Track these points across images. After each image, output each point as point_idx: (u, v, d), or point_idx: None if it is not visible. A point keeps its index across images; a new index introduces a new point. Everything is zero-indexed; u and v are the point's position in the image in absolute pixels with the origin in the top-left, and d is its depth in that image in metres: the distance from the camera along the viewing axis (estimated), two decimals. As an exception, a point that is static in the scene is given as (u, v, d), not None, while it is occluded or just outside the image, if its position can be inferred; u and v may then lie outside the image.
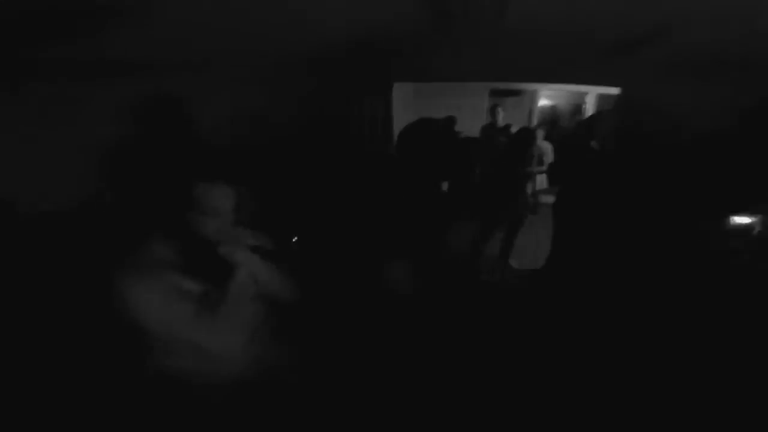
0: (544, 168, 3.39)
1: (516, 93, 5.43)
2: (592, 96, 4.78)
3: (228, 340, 1.31)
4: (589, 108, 4.73)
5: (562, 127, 5.19)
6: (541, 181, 3.70)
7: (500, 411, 1.86)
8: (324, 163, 3.11)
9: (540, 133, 3.56)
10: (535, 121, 5.05)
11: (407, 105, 4.80)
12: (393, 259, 1.62)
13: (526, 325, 2.41)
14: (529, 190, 3.16)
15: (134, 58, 2.13)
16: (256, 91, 3.16)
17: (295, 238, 2.55)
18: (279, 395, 1.49)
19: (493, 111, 4.06)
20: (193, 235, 1.22)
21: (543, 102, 5.40)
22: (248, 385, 1.38)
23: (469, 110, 5.14)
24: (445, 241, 2.56)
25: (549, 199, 3.17)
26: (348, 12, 1.72)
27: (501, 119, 4.03)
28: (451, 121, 4.22)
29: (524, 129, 3.32)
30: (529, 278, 3.01)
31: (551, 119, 5.37)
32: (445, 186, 3.24)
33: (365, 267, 1.63)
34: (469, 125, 4.62)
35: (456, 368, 2.05)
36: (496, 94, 5.30)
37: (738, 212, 2.20)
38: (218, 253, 1.24)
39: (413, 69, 3.84)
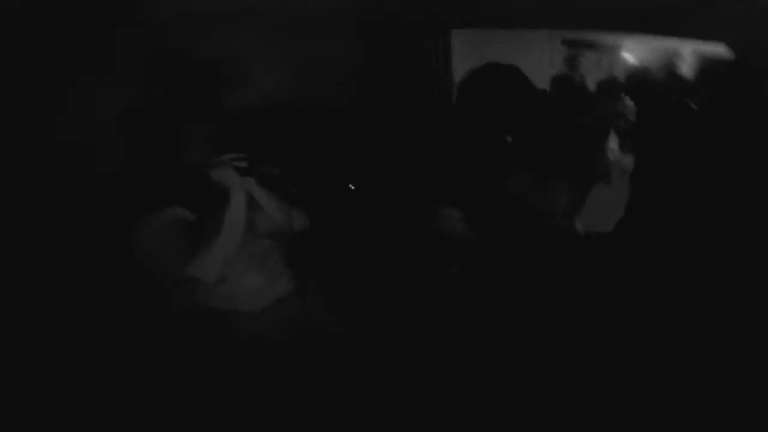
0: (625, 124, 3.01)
1: (593, 45, 4.85)
2: (687, 52, 4.15)
3: (243, 282, 1.30)
4: (685, 66, 4.13)
5: (650, 85, 4.60)
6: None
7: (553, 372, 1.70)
8: (382, 111, 2.95)
9: (624, 88, 3.17)
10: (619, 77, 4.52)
11: (465, 56, 4.49)
12: (447, 205, 1.55)
13: (582, 289, 2.22)
14: (607, 150, 2.81)
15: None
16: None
17: (352, 185, 2.48)
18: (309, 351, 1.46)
19: (572, 61, 3.57)
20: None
21: (627, 57, 4.79)
22: (276, 336, 1.34)
23: (536, 63, 4.69)
24: (506, 194, 2.37)
25: (628, 162, 2.84)
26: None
27: (582, 70, 3.57)
28: (516, 68, 3.83)
29: (608, 80, 3.02)
30: (594, 242, 2.72)
31: (637, 76, 4.76)
32: (509, 138, 2.98)
33: (419, 209, 1.56)
34: (537, 77, 4.19)
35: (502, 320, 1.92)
36: (569, 44, 4.74)
37: None
38: (212, 179, 1.24)
39: (472, 13, 3.61)
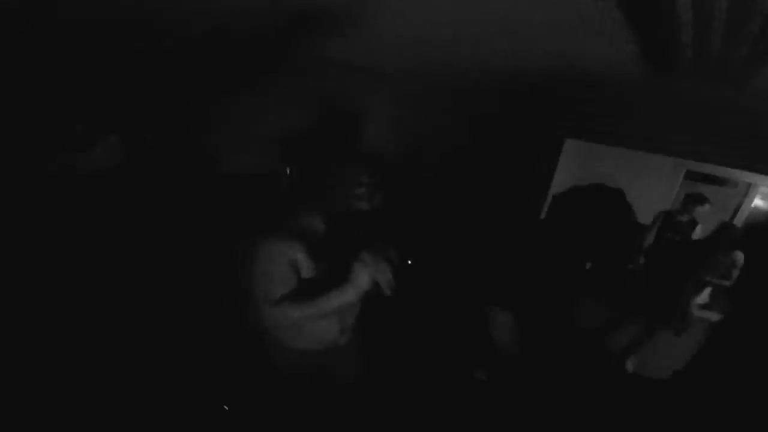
0: (728, 282, 2.78)
1: (721, 182, 4.46)
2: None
3: (327, 330, 1.38)
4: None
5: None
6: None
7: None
8: (473, 206, 3.12)
9: (741, 238, 2.90)
10: (741, 223, 4.10)
11: (572, 168, 4.40)
12: (506, 310, 1.63)
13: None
14: (692, 304, 2.64)
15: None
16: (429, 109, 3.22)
17: (410, 261, 2.75)
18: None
19: (690, 202, 3.17)
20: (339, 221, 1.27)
21: (759, 201, 4.30)
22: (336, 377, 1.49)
23: (649, 190, 4.46)
24: (570, 320, 2.40)
25: (708, 315, 2.67)
26: (551, 53, 1.48)
27: (698, 216, 3.21)
28: (621, 193, 3.78)
29: (726, 225, 2.82)
30: (640, 386, 2.53)
31: (759, 227, 4.23)
32: (588, 265, 2.97)
33: (477, 306, 1.68)
34: (645, 209, 4.01)
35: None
36: (692, 177, 4.45)
37: None
38: (352, 257, 1.23)
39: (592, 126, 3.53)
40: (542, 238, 1.84)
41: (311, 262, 1.24)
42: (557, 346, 2.30)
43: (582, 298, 2.75)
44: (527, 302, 1.66)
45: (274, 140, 2.25)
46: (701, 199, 3.12)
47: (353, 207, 1.23)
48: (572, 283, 2.30)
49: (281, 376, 1.45)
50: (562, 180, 4.03)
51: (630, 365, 2.84)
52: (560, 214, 1.61)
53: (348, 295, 1.21)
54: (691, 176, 4.44)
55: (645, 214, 3.84)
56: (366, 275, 1.21)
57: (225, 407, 1.80)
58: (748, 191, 4.28)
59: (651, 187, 4.38)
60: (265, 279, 1.20)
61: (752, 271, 2.87)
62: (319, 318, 1.27)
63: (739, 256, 3.06)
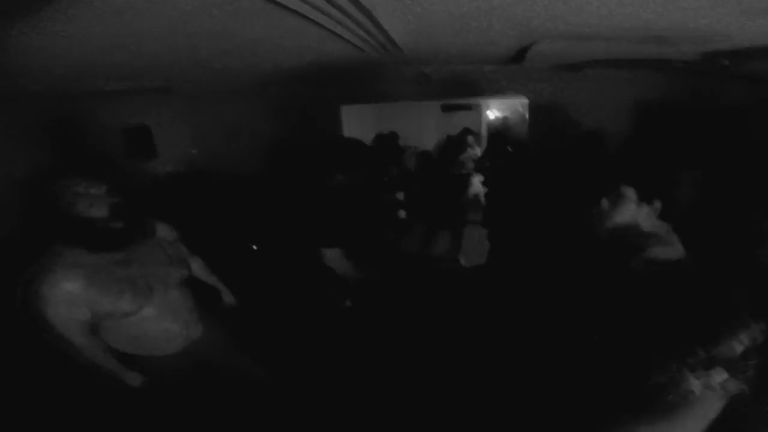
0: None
1: (468, 107, 5.81)
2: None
3: (155, 327, 1.37)
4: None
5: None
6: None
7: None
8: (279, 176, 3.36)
9: (471, 140, 3.83)
10: (484, 132, 5.45)
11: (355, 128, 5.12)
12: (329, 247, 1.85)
13: (473, 313, 2.62)
14: (469, 193, 3.48)
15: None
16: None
17: (254, 246, 2.83)
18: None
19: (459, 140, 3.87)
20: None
21: (495, 114, 5.81)
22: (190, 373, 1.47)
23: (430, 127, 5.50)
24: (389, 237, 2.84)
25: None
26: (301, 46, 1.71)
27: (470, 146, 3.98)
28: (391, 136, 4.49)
29: (452, 137, 3.69)
30: (475, 272, 3.29)
31: (498, 129, 5.77)
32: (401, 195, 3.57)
33: (306, 254, 1.85)
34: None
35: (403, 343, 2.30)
36: (447, 108, 5.66)
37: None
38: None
39: (360, 93, 4.16)
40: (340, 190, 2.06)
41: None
42: (393, 265, 2.76)
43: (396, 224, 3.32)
44: (343, 238, 1.90)
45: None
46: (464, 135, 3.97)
47: (87, 217, 1.18)
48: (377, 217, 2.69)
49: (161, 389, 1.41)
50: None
51: (463, 260, 3.53)
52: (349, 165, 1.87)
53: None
54: (446, 108, 5.68)
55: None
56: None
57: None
58: (481, 109, 5.75)
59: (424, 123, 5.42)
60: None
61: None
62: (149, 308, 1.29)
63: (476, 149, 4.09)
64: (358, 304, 2.10)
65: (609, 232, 1.39)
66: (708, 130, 2.55)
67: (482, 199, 3.57)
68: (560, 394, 1.40)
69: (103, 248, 1.23)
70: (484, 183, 3.57)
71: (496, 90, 3.92)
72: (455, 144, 3.46)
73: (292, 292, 2.12)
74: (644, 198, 1.28)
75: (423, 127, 5.45)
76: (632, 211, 1.32)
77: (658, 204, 1.31)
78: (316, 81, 3.08)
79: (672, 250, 1.34)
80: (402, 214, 3.52)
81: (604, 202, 1.33)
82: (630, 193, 1.28)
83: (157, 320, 1.35)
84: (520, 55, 2.15)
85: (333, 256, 1.80)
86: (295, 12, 1.05)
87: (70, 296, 1.15)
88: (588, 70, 2.71)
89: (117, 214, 1.23)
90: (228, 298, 1.82)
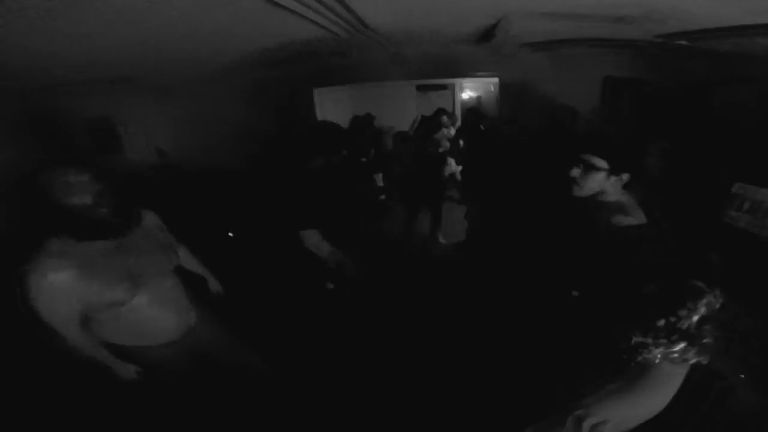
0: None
1: (443, 87, 5.84)
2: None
3: (150, 316, 1.38)
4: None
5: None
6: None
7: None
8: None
9: (446, 120, 3.87)
10: (458, 111, 5.50)
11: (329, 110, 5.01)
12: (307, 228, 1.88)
13: (455, 288, 2.71)
14: (446, 172, 3.55)
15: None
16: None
17: (231, 233, 2.85)
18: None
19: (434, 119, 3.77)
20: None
21: (468, 94, 5.86)
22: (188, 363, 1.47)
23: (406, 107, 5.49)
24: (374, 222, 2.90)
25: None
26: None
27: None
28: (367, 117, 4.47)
29: (426, 117, 3.73)
30: (455, 250, 3.40)
31: (470, 108, 5.83)
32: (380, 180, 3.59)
33: (286, 238, 1.88)
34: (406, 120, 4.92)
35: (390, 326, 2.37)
36: (422, 89, 5.67)
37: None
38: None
39: (332, 74, 4.14)
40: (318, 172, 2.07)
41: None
42: (374, 245, 2.82)
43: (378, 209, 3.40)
44: (322, 220, 1.92)
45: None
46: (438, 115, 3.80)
47: (71, 205, 1.17)
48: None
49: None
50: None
51: (442, 238, 3.56)
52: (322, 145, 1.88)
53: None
54: (421, 88, 5.68)
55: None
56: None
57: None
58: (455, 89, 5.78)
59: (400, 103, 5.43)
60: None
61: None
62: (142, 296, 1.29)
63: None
64: (340, 286, 2.14)
65: (579, 199, 1.47)
66: (673, 105, 2.68)
67: (458, 177, 3.66)
68: (540, 351, 1.50)
69: (91, 236, 1.21)
70: (458, 161, 3.65)
71: (469, 69, 3.96)
72: (430, 123, 3.51)
73: (273, 276, 2.15)
74: (614, 170, 1.37)
75: (399, 108, 5.44)
76: (600, 181, 1.41)
77: (625, 176, 1.40)
78: (288, 65, 3.06)
79: (634, 219, 1.44)
80: (381, 196, 3.57)
81: (575, 171, 1.41)
82: (600, 163, 1.37)
83: (150, 308, 1.35)
84: (489, 33, 2.20)
85: (311, 238, 1.83)
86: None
87: (59, 288, 1.15)
88: (557, 50, 2.79)
89: (101, 202, 1.21)
90: (214, 286, 1.83)
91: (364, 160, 3.53)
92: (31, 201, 1.18)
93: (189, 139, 3.74)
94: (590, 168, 1.46)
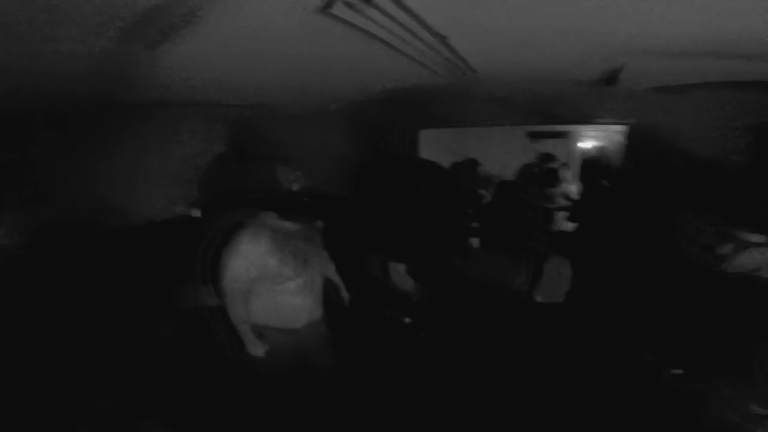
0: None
1: (558, 135, 5.46)
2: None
3: (298, 302, 1.59)
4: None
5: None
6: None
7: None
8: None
9: (567, 172, 3.61)
10: (575, 162, 5.06)
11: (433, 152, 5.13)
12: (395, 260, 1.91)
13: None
14: (554, 226, 3.24)
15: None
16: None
17: None
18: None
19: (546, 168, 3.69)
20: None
21: (588, 143, 5.37)
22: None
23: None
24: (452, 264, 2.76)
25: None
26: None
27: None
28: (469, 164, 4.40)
29: (534, 166, 3.48)
30: (551, 312, 3.00)
31: (591, 160, 5.29)
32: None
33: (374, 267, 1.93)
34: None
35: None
36: (534, 136, 5.38)
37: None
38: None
39: (439, 116, 4.19)
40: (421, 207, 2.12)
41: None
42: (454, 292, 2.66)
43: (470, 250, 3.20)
44: (414, 255, 1.93)
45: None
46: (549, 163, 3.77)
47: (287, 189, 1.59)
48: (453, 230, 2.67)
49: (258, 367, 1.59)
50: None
51: (539, 297, 3.29)
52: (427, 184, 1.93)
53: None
54: (532, 135, 5.39)
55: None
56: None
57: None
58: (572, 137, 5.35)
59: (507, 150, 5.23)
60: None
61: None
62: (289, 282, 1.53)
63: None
64: (418, 322, 2.08)
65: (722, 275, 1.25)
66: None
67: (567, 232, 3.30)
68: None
69: (290, 217, 1.56)
70: (571, 218, 3.32)
71: (588, 116, 3.63)
72: (543, 176, 3.28)
73: (356, 305, 2.19)
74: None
75: (505, 155, 5.25)
76: (756, 258, 1.16)
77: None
78: (394, 105, 3.20)
79: None
80: (475, 242, 3.41)
81: (726, 247, 1.20)
82: (758, 238, 1.12)
83: (297, 294, 1.58)
84: (612, 76, 2.01)
85: (399, 271, 1.85)
86: (372, 37, 1.14)
87: (253, 249, 1.44)
88: (690, 93, 2.40)
89: (304, 193, 1.60)
90: (345, 294, 2.00)
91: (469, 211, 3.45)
92: (251, 183, 1.61)
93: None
94: (745, 245, 1.20)
